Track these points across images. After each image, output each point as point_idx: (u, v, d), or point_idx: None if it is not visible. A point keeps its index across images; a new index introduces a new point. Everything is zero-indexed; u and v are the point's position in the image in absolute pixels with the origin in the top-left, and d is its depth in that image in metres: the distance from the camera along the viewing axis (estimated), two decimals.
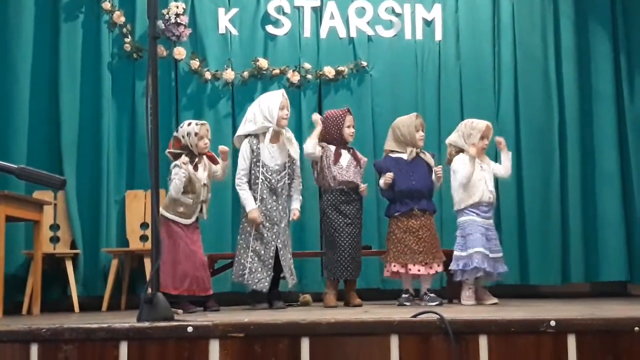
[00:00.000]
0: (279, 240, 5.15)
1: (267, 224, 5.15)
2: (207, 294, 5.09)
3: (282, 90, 5.46)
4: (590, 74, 7.11)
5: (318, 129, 5.32)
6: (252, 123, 5.26)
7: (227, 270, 5.83)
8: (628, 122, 6.98)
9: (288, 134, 5.35)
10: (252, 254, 5.11)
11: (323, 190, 5.42)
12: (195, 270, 5.01)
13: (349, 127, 5.39)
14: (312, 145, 5.26)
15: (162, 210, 5.01)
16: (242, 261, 5.13)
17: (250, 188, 5.19)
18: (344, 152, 5.37)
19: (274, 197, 5.20)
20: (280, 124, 5.22)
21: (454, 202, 5.36)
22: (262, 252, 5.10)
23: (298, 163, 5.41)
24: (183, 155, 5.03)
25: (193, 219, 5.10)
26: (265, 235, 5.12)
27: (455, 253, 5.23)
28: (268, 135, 5.20)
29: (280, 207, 5.22)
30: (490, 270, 5.14)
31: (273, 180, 5.20)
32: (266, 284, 5.07)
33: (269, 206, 5.18)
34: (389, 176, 5.22)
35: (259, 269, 5.08)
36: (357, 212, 5.35)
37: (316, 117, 5.46)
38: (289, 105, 5.33)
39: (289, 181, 5.31)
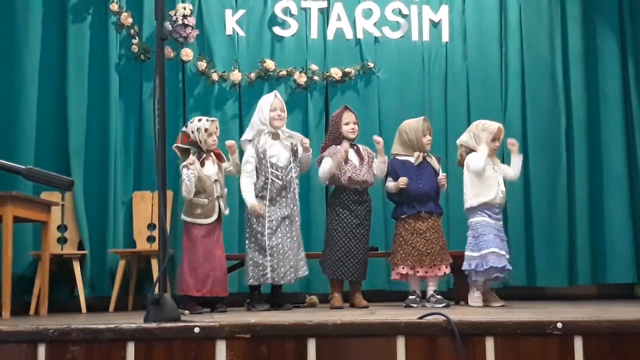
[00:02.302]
0: (292, 233, 5.19)
1: (280, 219, 5.16)
2: (224, 295, 5.11)
3: (275, 92, 5.46)
4: (597, 76, 7.07)
5: (332, 163, 5.26)
6: (252, 128, 5.34)
7: (234, 271, 5.84)
8: (635, 124, 6.93)
9: (286, 134, 5.35)
10: (270, 251, 5.10)
11: (335, 188, 5.41)
12: (215, 271, 5.04)
13: (347, 124, 5.38)
14: (325, 172, 5.29)
15: (182, 216, 5.13)
16: (260, 262, 5.11)
17: (261, 188, 5.19)
18: (350, 150, 5.38)
19: (284, 193, 5.21)
20: (273, 125, 5.26)
21: (466, 200, 5.29)
22: (280, 247, 5.10)
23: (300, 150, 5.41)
24: (190, 156, 5.05)
25: (214, 218, 5.12)
26: (280, 230, 5.14)
27: (467, 253, 5.20)
28: (267, 136, 5.24)
29: (290, 201, 5.24)
30: (509, 268, 5.14)
31: (282, 176, 5.21)
32: (293, 275, 5.12)
33: (280, 202, 5.19)
34: (403, 181, 5.21)
35: (281, 264, 5.08)
36: (367, 214, 5.36)
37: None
38: (282, 106, 5.33)
39: (296, 174, 5.32)
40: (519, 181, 6.67)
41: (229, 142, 5.27)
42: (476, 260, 5.13)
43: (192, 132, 5.10)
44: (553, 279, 6.74)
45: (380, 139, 5.33)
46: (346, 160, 5.30)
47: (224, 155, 5.28)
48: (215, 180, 5.14)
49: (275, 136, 5.29)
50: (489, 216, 5.22)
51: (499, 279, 5.30)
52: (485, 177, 5.25)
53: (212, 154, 5.20)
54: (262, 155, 5.21)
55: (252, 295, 5.24)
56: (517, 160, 5.43)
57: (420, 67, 6.92)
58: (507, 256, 5.20)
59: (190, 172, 4.96)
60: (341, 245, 5.25)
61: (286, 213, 5.20)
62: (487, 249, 5.10)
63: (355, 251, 5.24)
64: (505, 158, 5.64)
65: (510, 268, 5.23)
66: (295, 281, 5.24)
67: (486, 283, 5.25)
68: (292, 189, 5.27)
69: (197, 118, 5.24)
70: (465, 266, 5.20)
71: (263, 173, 5.20)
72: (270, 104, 5.26)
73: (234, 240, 6.25)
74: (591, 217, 6.88)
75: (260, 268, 5.11)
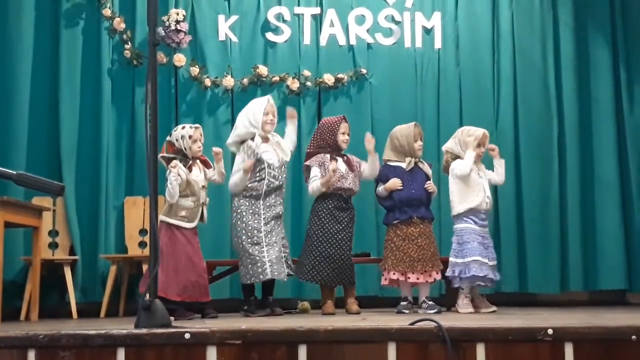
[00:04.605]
0: (282, 234, 5.22)
1: (274, 217, 5.17)
2: (207, 300, 5.09)
3: (269, 96, 5.46)
4: (589, 83, 7.11)
5: (321, 187, 5.25)
6: (237, 132, 5.33)
7: (225, 277, 5.83)
8: (627, 131, 6.97)
9: (276, 138, 5.37)
10: (267, 247, 5.06)
11: (319, 195, 5.38)
12: (197, 277, 5.01)
13: (343, 134, 5.39)
14: (315, 192, 5.31)
15: (163, 217, 5.03)
16: (258, 257, 5.01)
17: (255, 187, 5.17)
18: (338, 159, 5.37)
19: (277, 192, 5.23)
20: (264, 129, 5.25)
21: (452, 207, 5.34)
22: (275, 244, 5.09)
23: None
24: (173, 161, 5.02)
25: (195, 223, 5.11)
26: (274, 228, 5.14)
27: (451, 259, 5.23)
28: (258, 139, 5.23)
29: (282, 201, 5.29)
30: (490, 276, 5.15)
31: (277, 175, 5.22)
32: (286, 272, 5.09)
33: (275, 201, 5.20)
34: (397, 183, 5.21)
35: (276, 260, 5.04)
36: (349, 221, 5.35)
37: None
38: (274, 111, 5.34)
39: (286, 176, 5.37)
40: (511, 187, 6.72)
41: (215, 149, 5.23)
42: (460, 267, 5.16)
43: (177, 140, 5.10)
44: (545, 285, 6.75)
45: (372, 138, 5.38)
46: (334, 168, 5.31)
47: (210, 162, 5.26)
48: (203, 186, 5.14)
49: (265, 139, 5.29)
50: (475, 222, 5.25)
51: (482, 286, 5.31)
52: (471, 183, 5.28)
53: (197, 161, 5.19)
54: (257, 156, 5.20)
55: (248, 301, 5.18)
56: (499, 164, 5.47)
57: (412, 74, 6.93)
58: (491, 263, 5.21)
59: (172, 175, 4.95)
60: (320, 250, 5.21)
61: (279, 212, 5.23)
62: (471, 256, 5.13)
63: (335, 257, 5.20)
64: (489, 165, 5.59)
65: (494, 277, 5.25)
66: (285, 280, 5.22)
67: (473, 289, 5.26)
68: (283, 190, 5.33)
69: (180, 126, 5.23)
70: (449, 272, 5.22)
71: (258, 173, 5.19)
72: (264, 107, 5.26)
73: (227, 247, 6.20)
74: (583, 223, 6.90)
75: (259, 264, 5.01)
